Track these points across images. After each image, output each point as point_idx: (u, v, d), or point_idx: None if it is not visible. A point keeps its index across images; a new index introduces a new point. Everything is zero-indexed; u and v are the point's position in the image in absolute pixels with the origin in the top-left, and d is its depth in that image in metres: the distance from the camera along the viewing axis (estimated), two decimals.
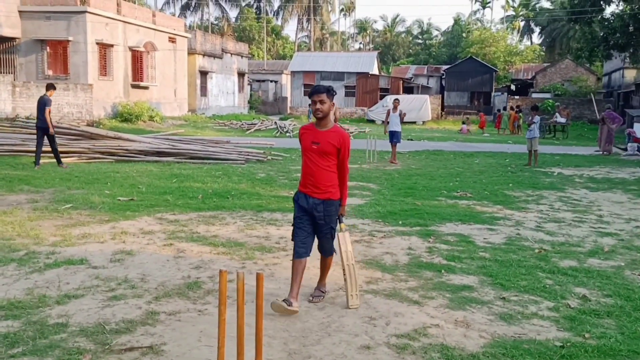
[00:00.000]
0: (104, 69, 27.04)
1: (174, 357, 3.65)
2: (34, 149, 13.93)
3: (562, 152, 20.78)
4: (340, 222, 4.78)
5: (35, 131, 12.73)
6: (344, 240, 4.76)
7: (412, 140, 25.00)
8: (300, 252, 4.58)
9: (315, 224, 4.65)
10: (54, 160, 12.78)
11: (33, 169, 11.90)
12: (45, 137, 12.36)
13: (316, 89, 4.54)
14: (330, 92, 4.53)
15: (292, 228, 4.74)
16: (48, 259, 5.66)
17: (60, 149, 12.95)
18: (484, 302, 4.87)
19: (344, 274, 4.67)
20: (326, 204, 4.60)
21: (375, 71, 50.45)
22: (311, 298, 4.81)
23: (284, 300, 4.41)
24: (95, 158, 13.93)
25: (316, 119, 4.59)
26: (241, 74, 44.38)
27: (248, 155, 15.43)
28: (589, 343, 4.03)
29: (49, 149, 12.71)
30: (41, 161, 12.71)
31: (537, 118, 15.74)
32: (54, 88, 12.98)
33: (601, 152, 20.59)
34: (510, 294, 5.07)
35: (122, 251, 6.05)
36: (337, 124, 4.74)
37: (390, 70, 66.21)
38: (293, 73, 49.72)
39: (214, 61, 39.15)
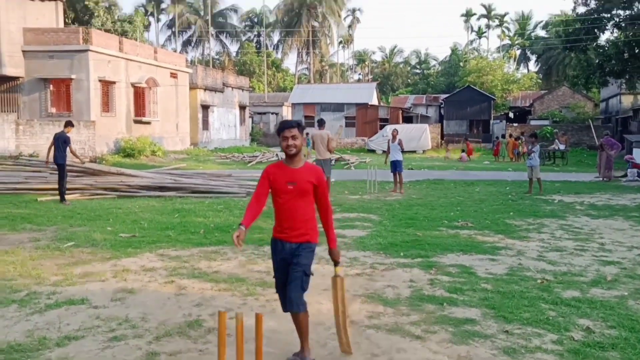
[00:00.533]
0: (107, 105, 27.30)
1: None
2: (38, 186, 14.09)
3: (562, 179, 20.81)
4: (335, 266, 4.40)
5: (46, 167, 13.26)
6: (339, 285, 4.35)
7: (412, 169, 25.06)
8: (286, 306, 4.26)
9: (289, 268, 4.20)
10: (57, 197, 12.89)
11: (35, 207, 11.93)
12: (58, 171, 12.76)
13: (286, 124, 4.17)
14: (301, 126, 4.21)
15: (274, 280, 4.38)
16: (49, 299, 5.65)
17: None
18: (487, 335, 4.84)
19: (338, 322, 4.35)
20: (303, 247, 4.18)
21: (375, 101, 50.88)
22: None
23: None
24: (97, 194, 13.98)
25: (288, 156, 4.17)
26: (242, 107, 44.74)
27: (249, 188, 15.47)
28: None
29: (55, 186, 12.97)
30: (44, 198, 12.81)
31: (536, 147, 15.81)
32: (72, 125, 13.50)
33: (601, 179, 20.60)
34: (514, 327, 5.04)
35: (124, 289, 6.04)
36: (307, 161, 4.32)
37: (389, 101, 66.76)
38: (293, 105, 50.14)
39: (215, 95, 39.53)
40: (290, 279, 4.10)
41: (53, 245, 8.22)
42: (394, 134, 16.20)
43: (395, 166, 15.84)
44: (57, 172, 13.01)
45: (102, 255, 7.62)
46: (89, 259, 7.44)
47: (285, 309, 4.20)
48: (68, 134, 13.05)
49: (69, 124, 13.33)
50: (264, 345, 3.33)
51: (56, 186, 13.15)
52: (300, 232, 4.16)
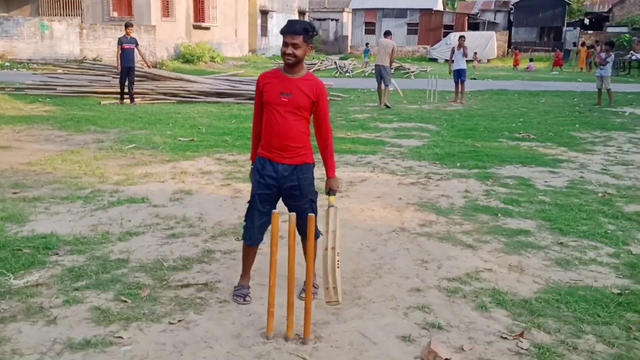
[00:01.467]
0: (167, 9, 27.21)
1: (228, 294, 3.77)
2: (101, 90, 14.48)
3: (636, 90, 19.64)
4: (330, 195, 3.64)
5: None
6: (333, 217, 3.40)
7: (475, 79, 24.19)
8: (256, 239, 3.70)
9: (287, 198, 3.61)
10: (119, 100, 13.31)
11: (99, 109, 12.28)
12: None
13: (291, 26, 3.40)
14: (308, 32, 3.41)
15: (247, 206, 3.69)
16: (112, 197, 5.90)
17: (125, 90, 13.37)
18: (541, 247, 4.76)
19: (324, 261, 3.28)
20: (300, 170, 3.54)
21: (440, 7, 48.57)
22: (303, 295, 3.59)
23: (237, 296, 3.72)
24: (158, 99, 14.22)
25: (286, 64, 3.45)
26: (302, 13, 43.73)
27: None
28: None
29: (117, 90, 13.42)
30: (107, 101, 13.22)
31: (611, 57, 14.83)
32: (132, 26, 13.65)
33: None
34: (569, 239, 4.93)
35: (182, 191, 6.22)
36: (310, 72, 3.56)
37: (455, 6, 63.57)
38: (354, 11, 48.56)
39: (274, 0, 38.67)
40: (299, 211, 3.50)
41: (116, 146, 8.50)
42: (461, 41, 15.45)
43: (459, 75, 15.27)
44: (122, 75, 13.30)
45: (162, 158, 7.83)
46: (149, 160, 7.66)
47: (255, 244, 3.69)
48: (125, 36, 13.15)
49: (128, 25, 13.39)
50: (314, 247, 3.39)
51: (119, 89, 13.48)
52: (293, 153, 3.50)
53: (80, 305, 3.55)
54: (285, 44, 3.40)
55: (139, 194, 6.03)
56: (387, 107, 13.94)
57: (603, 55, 15.07)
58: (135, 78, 13.61)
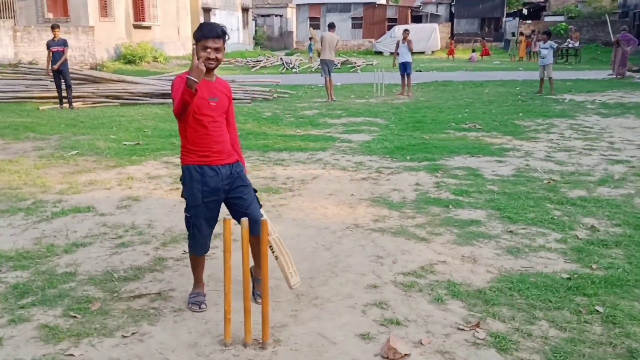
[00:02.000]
0: (105, 9, 26.46)
1: (182, 303, 3.68)
2: (39, 95, 14.00)
3: (574, 77, 20.33)
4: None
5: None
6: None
7: (420, 71, 24.54)
8: (207, 248, 3.67)
9: (233, 196, 3.55)
10: (59, 105, 12.89)
11: (38, 115, 11.85)
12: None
13: (211, 31, 3.33)
14: (226, 34, 3.41)
15: (187, 217, 3.58)
16: (55, 207, 5.69)
17: (64, 93, 12.97)
18: (492, 236, 4.85)
19: (272, 250, 3.60)
20: (237, 166, 3.58)
21: (383, 1, 49.04)
22: (259, 300, 3.50)
23: (192, 304, 3.63)
24: (99, 102, 13.83)
25: (207, 69, 3.31)
26: (245, 10, 43.35)
27: (254, 94, 15.24)
28: (596, 274, 4.01)
29: (55, 94, 12.96)
30: (46, 106, 12.77)
31: (549, 43, 15.28)
32: (58, 27, 13.14)
33: (614, 76, 20.10)
34: (518, 227, 5.04)
35: (129, 197, 6.05)
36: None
37: (397, 0, 64.34)
38: (298, 6, 48.47)
39: None
40: (245, 200, 3.53)
41: (57, 153, 8.21)
42: (405, 34, 15.64)
43: (405, 68, 15.44)
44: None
45: (107, 164, 7.61)
46: (94, 167, 7.43)
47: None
48: (52, 39, 12.74)
49: (54, 27, 12.95)
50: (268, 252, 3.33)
51: (56, 94, 13.07)
52: (229, 152, 3.53)
53: (27, 323, 3.39)
54: (205, 49, 3.31)
55: (84, 202, 5.84)
56: (329, 100, 14.12)
57: (541, 44, 15.50)
58: (76, 81, 13.21)
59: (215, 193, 3.49)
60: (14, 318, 3.44)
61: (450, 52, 35.28)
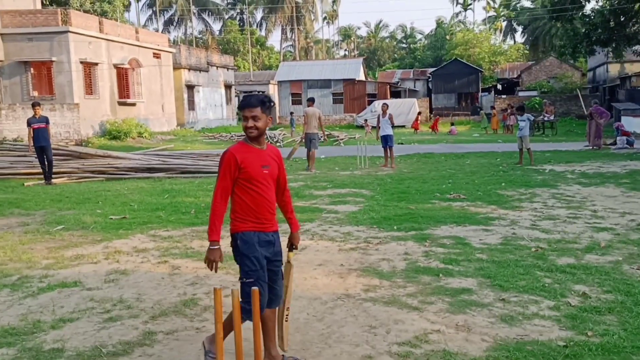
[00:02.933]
0: (90, 87, 26.93)
1: None
2: (24, 171, 14.01)
3: (552, 148, 20.86)
4: (290, 251, 3.89)
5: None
6: (289, 272, 3.84)
7: (402, 143, 25.03)
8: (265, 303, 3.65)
9: (271, 264, 3.67)
10: (43, 181, 12.87)
11: (22, 191, 11.79)
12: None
13: (248, 101, 3.53)
14: (265, 103, 3.55)
15: (243, 284, 3.55)
16: (41, 282, 5.58)
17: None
18: (484, 304, 4.83)
19: (285, 316, 3.78)
20: (277, 235, 3.73)
21: (362, 77, 50.59)
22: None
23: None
24: (85, 177, 13.83)
25: (250, 138, 3.57)
26: (228, 86, 44.38)
27: None
28: (592, 341, 4.00)
29: (40, 170, 12.99)
30: (31, 182, 12.73)
31: (526, 115, 15.78)
32: (39, 105, 13.25)
33: (591, 147, 20.67)
34: (510, 295, 5.04)
35: (116, 271, 5.97)
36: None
37: (376, 76, 66.42)
38: (280, 83, 49.75)
39: (200, 75, 39.12)
40: (276, 274, 3.68)
41: (43, 229, 8.12)
42: (384, 108, 16.13)
43: (387, 140, 15.79)
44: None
45: (93, 238, 7.53)
46: (80, 241, 7.35)
47: (272, 306, 3.67)
48: (33, 117, 12.94)
49: (35, 105, 13.17)
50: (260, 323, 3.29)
51: (41, 170, 13.11)
52: (275, 219, 3.67)
53: None
54: (245, 118, 3.52)
55: (70, 277, 5.74)
56: (310, 171, 14.56)
57: (518, 117, 15.98)
58: (61, 157, 13.27)
59: (267, 259, 3.60)
60: None
61: (434, 126, 36.06)
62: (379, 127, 16.16)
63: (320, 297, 5.10)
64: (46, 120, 13.05)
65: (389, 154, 15.89)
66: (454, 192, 10.88)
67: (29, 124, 12.88)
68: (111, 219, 8.76)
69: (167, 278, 5.73)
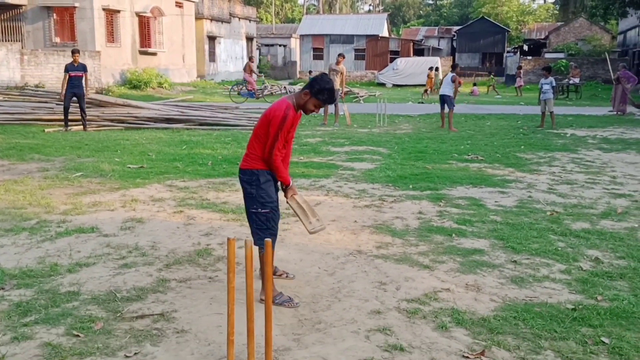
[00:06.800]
0: (111, 35, 26.83)
1: (185, 324, 3.67)
2: (45, 117, 14.13)
3: (575, 112, 20.48)
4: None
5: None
6: (299, 200, 4.39)
7: (422, 103, 24.74)
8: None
9: None
10: (63, 128, 13.02)
11: (43, 137, 11.92)
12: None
13: (332, 98, 4.09)
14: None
15: (265, 213, 4.08)
16: (59, 227, 5.69)
17: (70, 116, 13.10)
18: (495, 265, 4.84)
19: (301, 203, 4.33)
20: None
21: (385, 33, 49.74)
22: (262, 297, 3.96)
23: (287, 302, 4.04)
24: (104, 126, 13.92)
25: (306, 112, 4.17)
26: (250, 39, 43.93)
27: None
28: (601, 305, 4.00)
29: (61, 117, 13.13)
30: (51, 129, 12.86)
31: (550, 79, 15.43)
32: (78, 52, 13.36)
33: (615, 112, 20.26)
34: (522, 257, 5.04)
35: (133, 219, 6.06)
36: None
37: (400, 33, 65.25)
38: (302, 37, 49.15)
39: (221, 26, 38.72)
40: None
41: (62, 175, 8.23)
42: (457, 69, 15.33)
43: (443, 100, 15.11)
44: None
45: (111, 186, 7.63)
46: (98, 189, 7.45)
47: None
48: (71, 63, 12.96)
49: (75, 52, 13.19)
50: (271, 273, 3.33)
51: (62, 117, 13.21)
52: None
53: (30, 341, 3.37)
54: (317, 106, 4.09)
55: (87, 223, 5.84)
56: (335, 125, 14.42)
57: (542, 79, 15.63)
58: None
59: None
60: (17, 336, 3.43)
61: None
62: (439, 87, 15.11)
63: (332, 252, 5.14)
64: (84, 68, 13.07)
65: (446, 115, 15.06)
66: (471, 154, 10.79)
67: (66, 69, 12.87)
68: (129, 167, 8.85)
69: (182, 228, 5.80)
